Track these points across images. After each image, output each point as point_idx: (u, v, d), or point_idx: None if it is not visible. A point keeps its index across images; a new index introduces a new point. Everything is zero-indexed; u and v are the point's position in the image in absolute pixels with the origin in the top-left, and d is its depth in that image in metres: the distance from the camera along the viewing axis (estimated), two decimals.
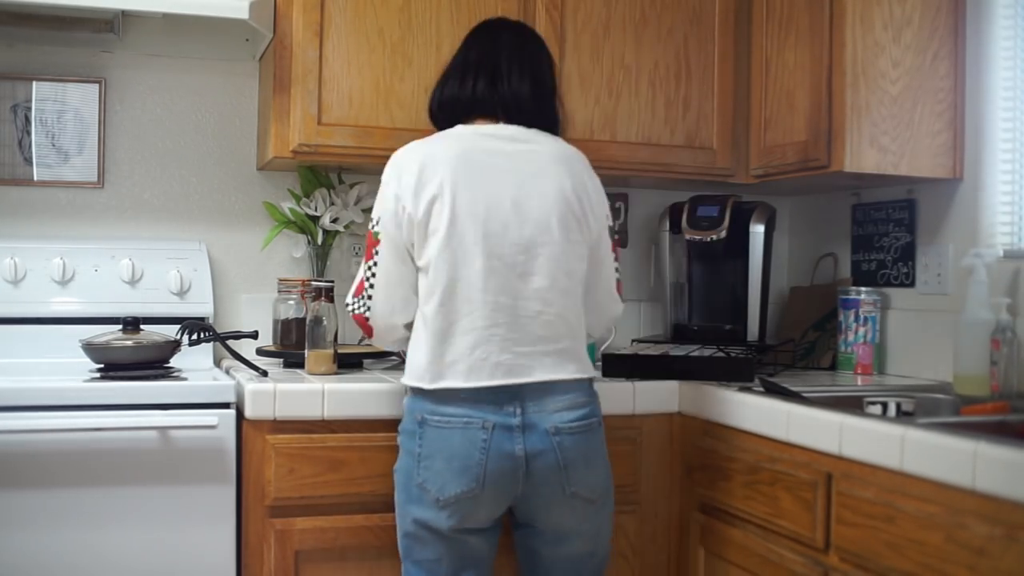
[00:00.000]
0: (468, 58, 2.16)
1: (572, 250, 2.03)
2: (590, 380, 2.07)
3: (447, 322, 1.97)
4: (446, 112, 2.15)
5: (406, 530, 2.03)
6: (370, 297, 2.09)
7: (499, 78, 2.11)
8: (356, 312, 2.12)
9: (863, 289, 2.77)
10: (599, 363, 2.51)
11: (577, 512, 2.02)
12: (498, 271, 1.96)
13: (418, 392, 2.00)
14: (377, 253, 2.07)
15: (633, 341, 2.94)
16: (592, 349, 2.45)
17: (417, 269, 2.04)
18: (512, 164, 2.03)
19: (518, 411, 1.95)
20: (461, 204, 1.97)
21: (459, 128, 2.10)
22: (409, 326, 2.09)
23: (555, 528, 2.03)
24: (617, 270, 2.19)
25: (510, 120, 2.10)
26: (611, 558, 2.38)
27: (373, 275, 2.08)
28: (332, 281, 2.54)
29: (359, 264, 2.92)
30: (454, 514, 1.96)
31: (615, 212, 3.06)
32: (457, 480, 1.94)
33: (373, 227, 2.08)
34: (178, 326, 2.44)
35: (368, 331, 2.13)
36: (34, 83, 2.70)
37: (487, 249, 1.96)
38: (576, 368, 2.02)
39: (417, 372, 2.00)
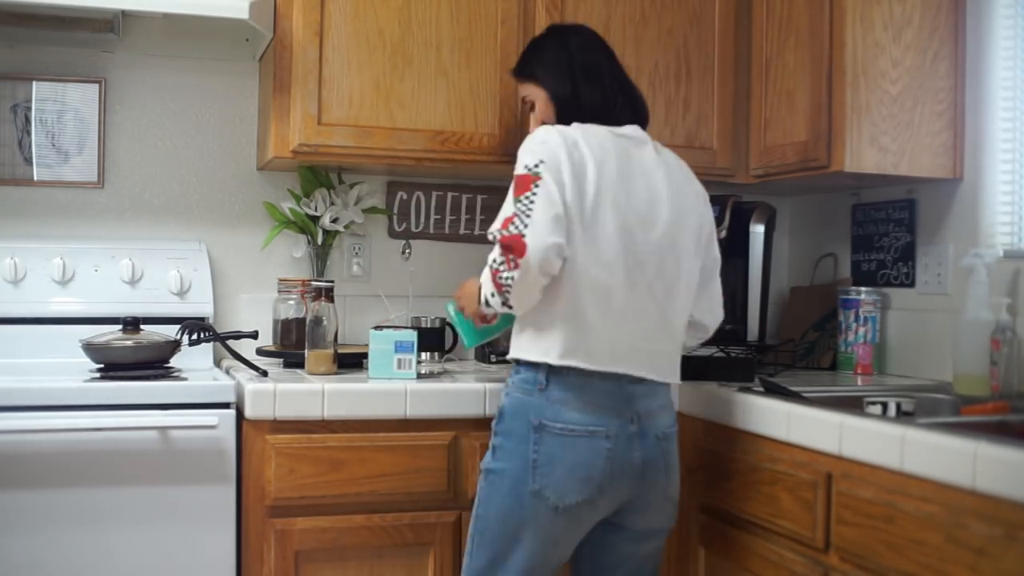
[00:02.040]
0: (587, 63, 2.12)
1: (695, 256, 2.08)
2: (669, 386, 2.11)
3: (582, 303, 1.94)
4: (587, 117, 2.07)
5: (503, 536, 1.99)
6: (528, 215, 1.89)
7: (628, 86, 2.15)
8: (507, 234, 1.89)
9: (863, 289, 2.77)
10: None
11: (667, 513, 2.09)
12: (632, 268, 1.98)
13: (531, 391, 1.96)
14: (537, 187, 1.91)
15: None
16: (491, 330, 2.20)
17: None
18: (647, 168, 2.04)
19: (635, 418, 1.99)
20: (609, 196, 1.95)
21: (592, 126, 2.04)
22: (560, 254, 1.90)
23: (644, 527, 2.07)
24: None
25: (635, 122, 2.11)
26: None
27: (532, 203, 1.91)
28: (332, 281, 2.54)
29: (359, 264, 2.94)
30: (569, 521, 1.98)
31: None
32: (580, 489, 1.95)
33: (532, 168, 1.94)
34: (178, 326, 2.44)
35: (521, 249, 1.86)
36: (34, 83, 2.70)
37: (627, 245, 1.97)
38: (669, 373, 2.07)
39: (543, 345, 1.94)
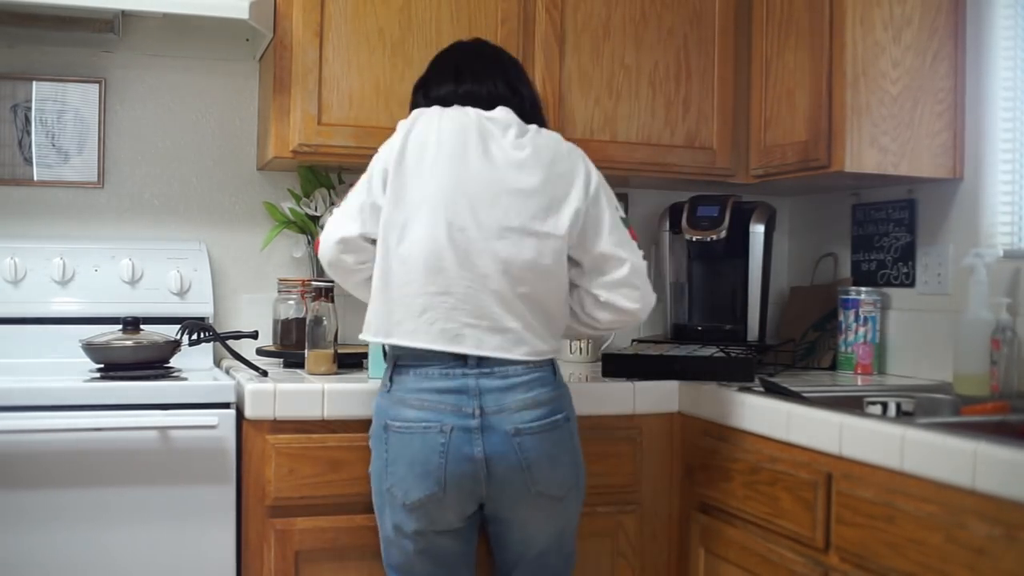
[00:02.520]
0: (444, 64, 2.21)
1: (538, 239, 1.99)
2: (552, 368, 2.03)
3: (395, 280, 1.99)
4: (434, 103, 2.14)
5: (383, 534, 2.08)
6: (330, 215, 2.13)
7: (481, 77, 2.14)
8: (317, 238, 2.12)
9: (863, 289, 2.77)
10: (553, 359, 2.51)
11: (546, 510, 2.03)
12: (457, 245, 1.95)
13: (383, 394, 2.04)
14: (355, 189, 2.11)
15: (633, 341, 2.94)
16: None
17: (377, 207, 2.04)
18: (496, 147, 2.02)
19: (476, 411, 1.95)
20: (436, 171, 1.99)
21: (458, 108, 2.09)
22: (351, 248, 2.09)
23: (521, 524, 2.04)
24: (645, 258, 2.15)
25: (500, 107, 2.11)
26: (611, 557, 2.39)
27: (343, 199, 2.12)
28: (332, 281, 2.54)
29: None
30: (421, 517, 1.98)
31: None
32: (420, 485, 1.96)
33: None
34: (178, 326, 2.44)
35: (315, 246, 2.11)
36: (34, 83, 2.70)
37: (452, 222, 1.96)
38: (523, 351, 1.97)
39: (369, 326, 2.06)
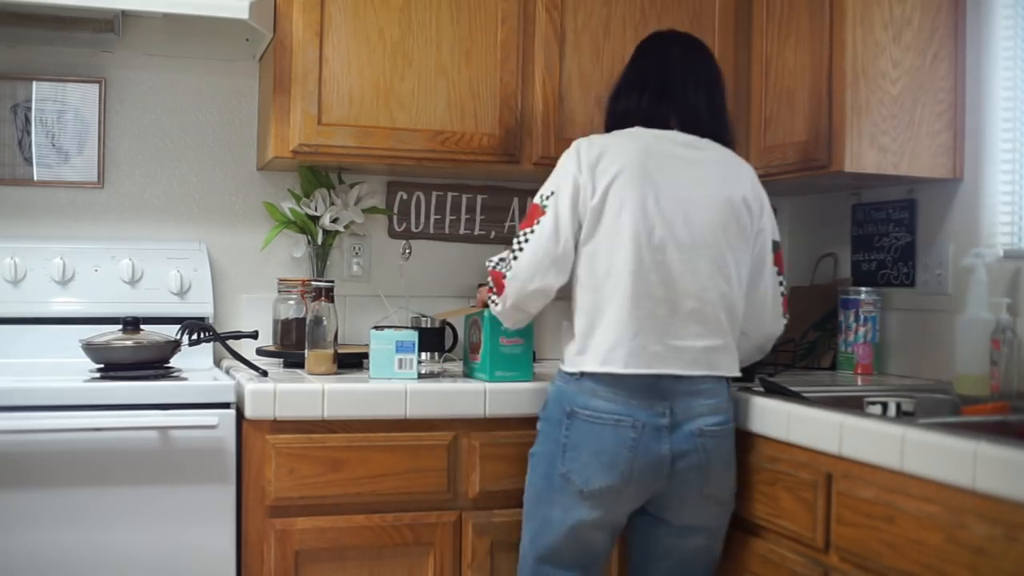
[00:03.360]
0: (641, 70, 2.23)
1: (733, 255, 2.09)
2: (727, 381, 2.11)
3: (602, 308, 2.04)
4: (621, 124, 2.19)
5: (538, 520, 2.09)
6: (515, 258, 2.11)
7: (674, 91, 2.17)
8: (495, 268, 2.16)
9: (863, 289, 2.77)
10: None
11: (708, 511, 2.10)
12: (658, 266, 2.02)
13: (568, 380, 2.07)
14: (538, 223, 2.09)
15: None
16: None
17: (574, 251, 2.09)
18: (682, 166, 2.09)
19: (667, 411, 2.01)
20: (633, 197, 2.04)
21: (638, 128, 2.16)
22: (544, 296, 2.12)
23: (685, 523, 2.09)
24: (782, 284, 2.25)
25: (684, 129, 2.16)
26: (612, 558, 2.38)
27: (527, 240, 2.10)
28: (332, 281, 2.54)
29: (359, 264, 2.94)
30: (595, 506, 2.02)
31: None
32: (604, 474, 2.00)
33: (542, 200, 2.11)
34: (178, 326, 2.44)
35: (500, 288, 2.13)
36: (34, 83, 2.70)
37: (651, 243, 2.03)
38: (721, 365, 2.08)
39: (575, 354, 2.07)
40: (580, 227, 2.08)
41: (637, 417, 2.00)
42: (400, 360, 2.39)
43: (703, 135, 2.17)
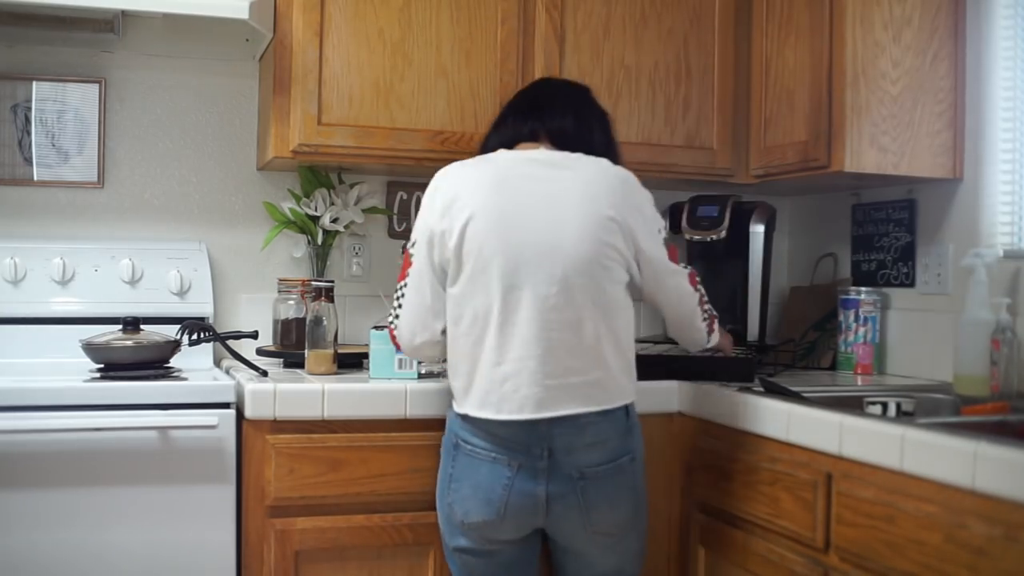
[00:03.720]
0: (511, 103, 2.23)
1: (608, 277, 1.99)
2: (625, 410, 2.03)
3: (476, 350, 1.98)
4: (490, 151, 2.15)
5: (443, 540, 2.12)
6: (397, 316, 2.13)
7: (540, 110, 2.14)
8: (389, 324, 2.17)
9: (863, 289, 2.77)
10: None
11: (603, 546, 2.05)
12: (528, 303, 1.95)
13: (457, 413, 2.05)
14: (408, 276, 2.10)
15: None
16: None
17: (445, 293, 2.06)
18: (544, 192, 2.01)
19: (544, 452, 1.96)
20: (492, 233, 1.97)
21: (501, 152, 2.10)
22: (433, 346, 2.11)
23: (578, 553, 2.07)
24: (699, 291, 2.22)
25: (554, 145, 2.11)
26: None
27: (403, 295, 2.12)
28: (332, 281, 2.54)
29: (359, 264, 2.94)
30: (477, 537, 2.02)
31: None
32: (480, 509, 1.98)
33: (409, 247, 2.11)
34: (178, 326, 2.44)
35: (397, 345, 2.18)
36: (34, 83, 2.70)
37: (517, 279, 1.95)
38: (604, 399, 1.98)
39: (456, 394, 2.05)
40: (445, 272, 2.03)
41: (514, 456, 1.96)
42: (400, 360, 2.39)
43: (573, 150, 2.09)
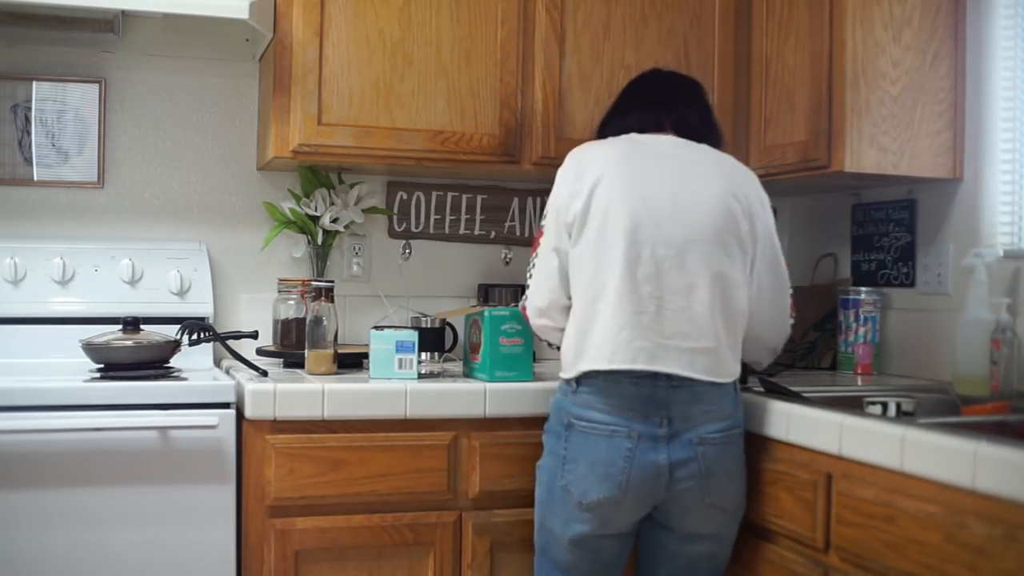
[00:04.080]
0: (628, 92, 2.27)
1: (726, 253, 2.04)
2: (733, 385, 2.07)
3: (592, 309, 2.02)
4: (614, 133, 2.20)
5: (545, 530, 2.09)
6: (529, 285, 2.19)
7: (663, 100, 2.20)
8: (521, 304, 2.24)
9: (863, 289, 2.77)
10: None
11: (712, 520, 2.06)
12: (647, 261, 2.00)
13: (566, 392, 2.06)
14: (539, 249, 2.16)
15: None
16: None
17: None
18: (674, 165, 2.08)
19: (664, 420, 1.98)
20: (616, 197, 2.03)
21: (631, 134, 2.16)
22: (561, 311, 2.14)
23: (689, 531, 2.06)
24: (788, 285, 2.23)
25: (679, 134, 2.16)
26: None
27: (533, 268, 2.18)
28: (332, 281, 2.54)
29: (359, 264, 2.94)
30: (596, 520, 2.00)
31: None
32: (601, 486, 1.98)
33: (542, 222, 2.17)
34: (178, 326, 2.44)
35: (526, 318, 2.23)
36: (34, 83, 2.70)
37: (637, 240, 2.00)
38: (715, 370, 2.01)
39: (566, 362, 2.08)
40: (570, 236, 2.09)
41: (633, 427, 1.97)
42: (400, 360, 2.39)
43: (698, 140, 2.17)
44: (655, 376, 1.98)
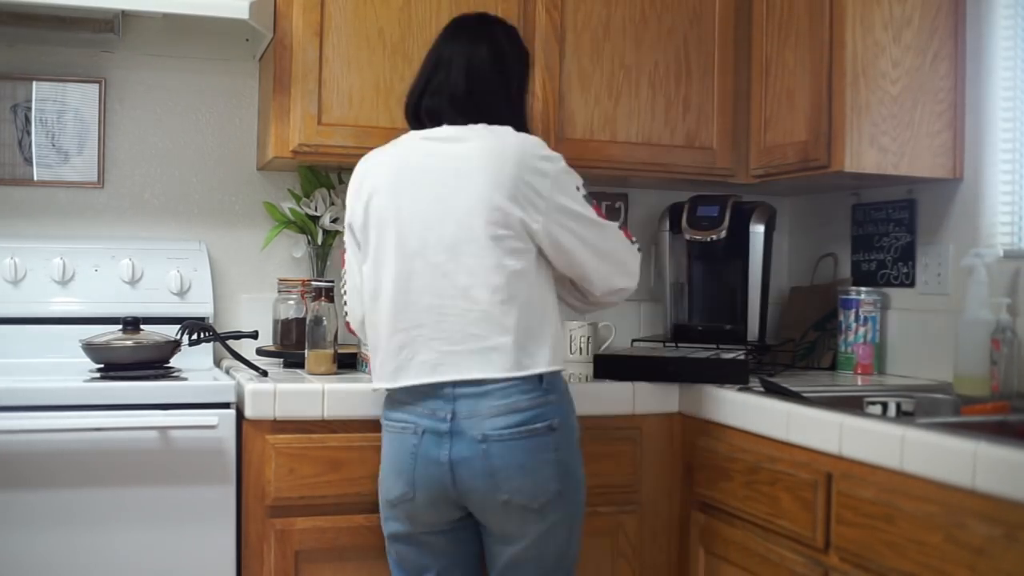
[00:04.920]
0: (422, 64, 2.20)
1: (500, 245, 1.95)
2: (539, 378, 1.96)
3: (377, 325, 2.03)
4: (408, 117, 2.16)
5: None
6: (345, 303, 2.23)
7: (436, 77, 2.11)
8: (345, 320, 2.28)
9: (863, 289, 2.77)
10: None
11: (518, 519, 1.96)
12: (420, 272, 1.97)
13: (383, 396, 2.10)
14: (346, 262, 2.20)
15: (633, 341, 2.93)
16: None
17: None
18: (440, 165, 2.01)
19: (449, 416, 1.94)
20: (387, 209, 2.02)
21: (407, 135, 2.13)
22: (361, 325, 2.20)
23: (498, 531, 2.00)
24: (623, 228, 2.15)
25: (453, 120, 2.06)
26: (611, 557, 2.38)
27: (344, 283, 2.23)
28: (332, 281, 2.54)
29: None
30: (400, 515, 2.03)
31: (614, 212, 3.06)
32: (395, 483, 2.01)
33: (345, 237, 2.18)
34: (178, 326, 2.44)
35: (352, 332, 2.28)
36: (34, 83, 2.70)
37: (408, 250, 1.98)
38: (508, 366, 1.94)
39: (372, 372, 2.10)
40: (362, 253, 2.10)
41: (420, 423, 1.96)
42: None
43: (468, 121, 2.04)
44: (441, 384, 1.96)
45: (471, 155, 2.00)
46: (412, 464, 1.97)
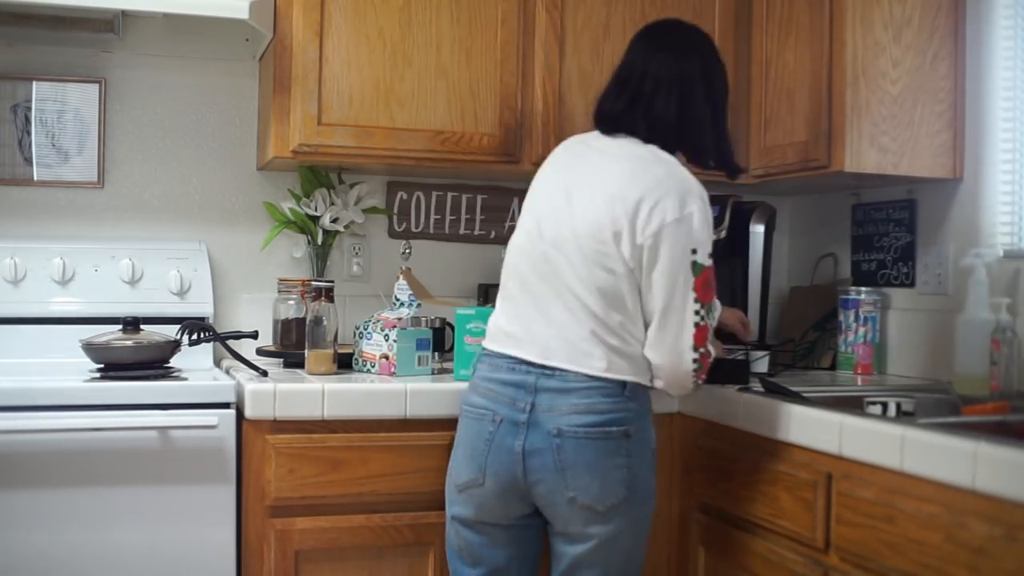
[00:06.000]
0: (621, 69, 2.21)
1: (606, 254, 1.96)
2: (622, 384, 1.97)
3: (500, 297, 2.12)
4: (597, 126, 2.16)
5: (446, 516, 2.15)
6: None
7: (641, 98, 2.11)
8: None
9: (863, 289, 2.77)
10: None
11: (583, 519, 1.97)
12: (537, 254, 2.03)
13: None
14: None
15: None
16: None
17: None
18: (595, 163, 2.07)
19: (528, 407, 1.97)
20: (538, 190, 2.12)
21: (571, 138, 2.21)
22: None
23: (561, 529, 2.02)
24: (698, 312, 1.98)
25: (651, 140, 2.07)
26: None
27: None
28: (332, 281, 2.54)
29: (359, 264, 2.94)
30: (466, 500, 2.04)
31: None
32: (466, 468, 2.03)
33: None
34: (178, 326, 2.44)
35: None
36: (34, 83, 2.70)
37: (535, 232, 2.05)
38: (594, 366, 1.95)
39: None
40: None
41: (498, 411, 1.99)
42: (420, 357, 2.46)
43: (671, 149, 2.08)
44: (526, 363, 1.98)
45: (618, 162, 2.06)
46: (486, 451, 1.99)
